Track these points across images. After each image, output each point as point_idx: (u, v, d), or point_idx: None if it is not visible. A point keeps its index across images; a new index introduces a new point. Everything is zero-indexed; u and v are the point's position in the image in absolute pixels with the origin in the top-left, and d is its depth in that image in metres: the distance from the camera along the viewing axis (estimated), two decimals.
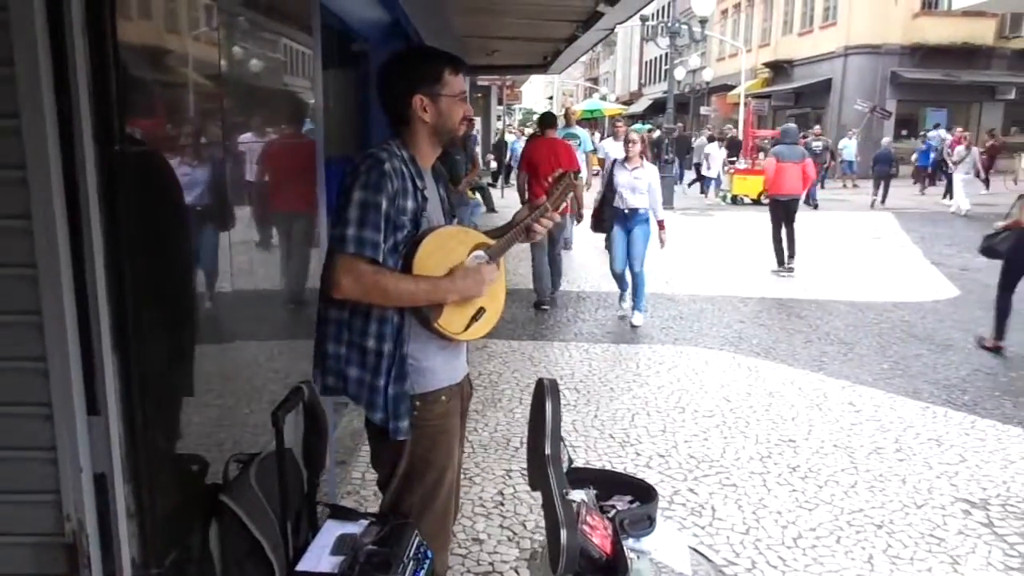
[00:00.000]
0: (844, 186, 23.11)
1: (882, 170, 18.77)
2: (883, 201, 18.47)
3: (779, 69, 33.01)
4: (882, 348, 6.68)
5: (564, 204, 2.45)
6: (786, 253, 9.90)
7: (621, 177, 7.18)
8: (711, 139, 21.28)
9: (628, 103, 50.15)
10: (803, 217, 10.25)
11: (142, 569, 1.63)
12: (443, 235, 2.22)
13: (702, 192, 20.93)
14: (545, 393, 2.52)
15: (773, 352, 6.51)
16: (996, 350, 6.54)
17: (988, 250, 6.79)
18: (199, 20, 2.09)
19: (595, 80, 67.19)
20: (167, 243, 1.84)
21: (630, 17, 10.71)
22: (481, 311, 2.28)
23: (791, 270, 9.88)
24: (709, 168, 19.91)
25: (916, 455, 4.44)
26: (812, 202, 17.09)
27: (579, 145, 10.93)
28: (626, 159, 7.23)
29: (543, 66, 17.74)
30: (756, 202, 18.50)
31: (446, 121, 2.24)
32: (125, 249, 1.58)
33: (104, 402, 1.55)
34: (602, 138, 13.37)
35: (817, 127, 20.18)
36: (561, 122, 10.42)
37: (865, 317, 7.84)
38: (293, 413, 2.07)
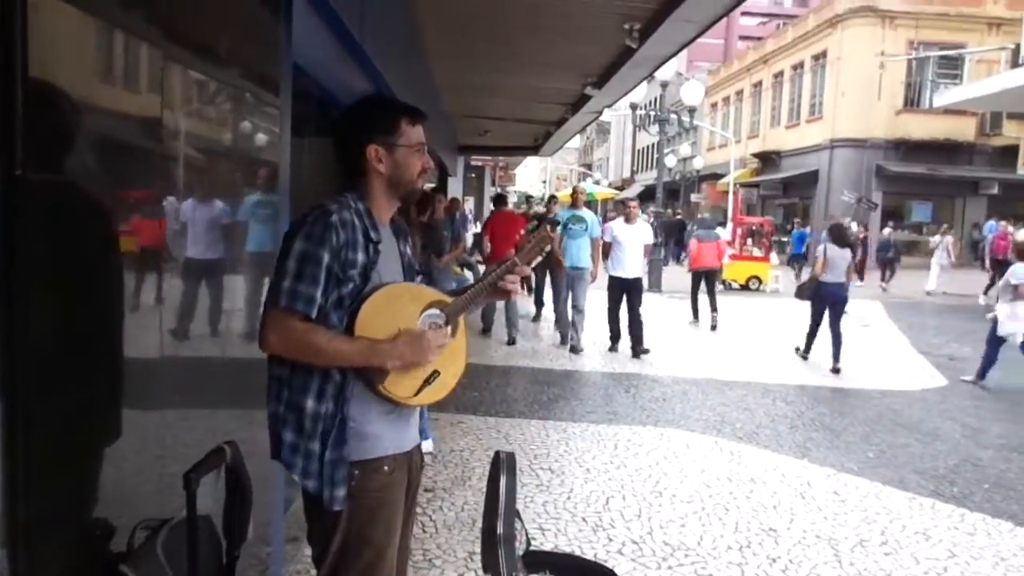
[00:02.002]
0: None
1: (884, 256, 20.64)
2: (888, 281, 19.87)
3: (767, 159, 33.65)
4: (868, 436, 6.49)
5: (538, 258, 2.32)
6: (711, 310, 12.06)
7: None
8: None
9: (621, 188, 50.93)
10: (800, 306, 10.43)
11: None
12: (392, 292, 2.08)
13: None
14: (500, 467, 2.34)
15: (756, 437, 6.31)
16: (803, 357, 9.58)
17: (799, 294, 9.75)
18: (134, 53, 1.99)
19: (589, 166, 68.48)
20: (75, 281, 1.69)
21: (616, 101, 10.90)
22: (435, 374, 2.11)
23: (714, 328, 11.93)
24: None
25: (903, 549, 4.22)
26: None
27: (585, 230, 9.55)
28: None
29: (534, 148, 18.05)
30: (744, 287, 18.48)
31: (403, 172, 2.14)
32: (20, 284, 1.44)
33: None
34: (604, 220, 12.32)
35: (846, 219, 19.52)
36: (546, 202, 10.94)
37: (852, 404, 7.67)
38: (213, 477, 1.89)
